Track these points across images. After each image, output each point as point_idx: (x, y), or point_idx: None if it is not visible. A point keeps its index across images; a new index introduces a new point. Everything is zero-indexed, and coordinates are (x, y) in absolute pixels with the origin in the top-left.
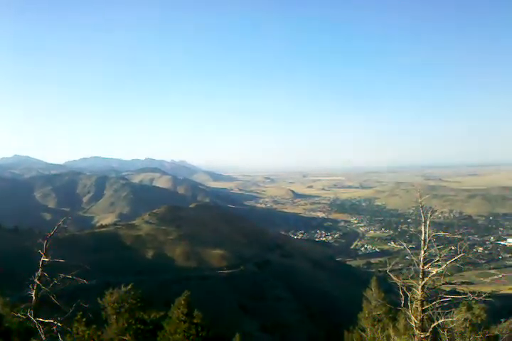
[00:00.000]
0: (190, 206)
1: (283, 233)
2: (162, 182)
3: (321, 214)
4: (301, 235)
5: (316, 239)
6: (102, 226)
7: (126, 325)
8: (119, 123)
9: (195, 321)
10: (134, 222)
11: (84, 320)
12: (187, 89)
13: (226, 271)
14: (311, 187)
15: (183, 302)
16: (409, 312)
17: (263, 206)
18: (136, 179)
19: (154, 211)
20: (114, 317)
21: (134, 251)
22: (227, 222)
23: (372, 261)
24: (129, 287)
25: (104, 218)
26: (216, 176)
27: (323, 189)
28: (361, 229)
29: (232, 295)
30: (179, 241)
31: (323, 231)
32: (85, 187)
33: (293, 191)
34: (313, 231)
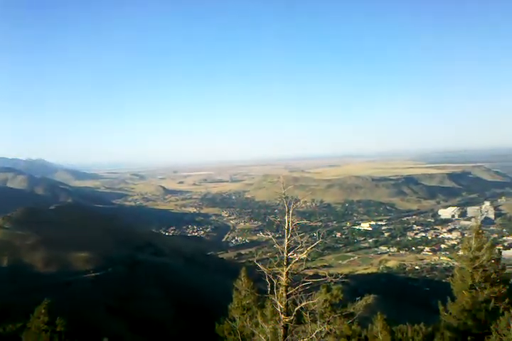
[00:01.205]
0: (51, 207)
1: (154, 231)
2: (17, 183)
3: (192, 210)
4: (172, 231)
5: (188, 235)
6: None
7: None
8: None
9: (57, 329)
10: None
11: None
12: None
13: (93, 274)
14: (182, 182)
15: (43, 310)
16: (275, 299)
17: (133, 204)
18: None
19: (8, 215)
20: None
21: None
22: (93, 223)
23: (243, 252)
24: None
25: None
26: (80, 174)
27: (194, 184)
28: (232, 221)
29: (99, 298)
30: (38, 246)
31: (194, 226)
32: None
33: (163, 187)
34: (185, 227)
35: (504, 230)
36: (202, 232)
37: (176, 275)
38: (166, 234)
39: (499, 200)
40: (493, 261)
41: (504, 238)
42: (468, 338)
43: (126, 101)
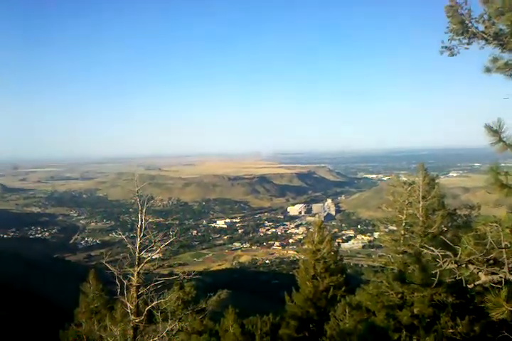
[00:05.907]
0: None
1: None
2: None
3: (36, 210)
4: (12, 234)
5: (31, 237)
6: None
7: None
8: None
9: None
10: None
11: None
12: None
13: None
14: (24, 179)
15: None
16: (125, 300)
17: None
18: None
19: None
20: None
21: None
22: None
23: (93, 253)
24: None
25: None
26: None
27: (39, 181)
28: (82, 222)
29: None
30: None
31: (39, 227)
32: None
33: (3, 185)
34: (27, 229)
35: (343, 225)
36: (47, 234)
37: (13, 283)
38: (5, 236)
39: (339, 198)
40: (332, 253)
41: (343, 232)
42: (310, 325)
43: None
